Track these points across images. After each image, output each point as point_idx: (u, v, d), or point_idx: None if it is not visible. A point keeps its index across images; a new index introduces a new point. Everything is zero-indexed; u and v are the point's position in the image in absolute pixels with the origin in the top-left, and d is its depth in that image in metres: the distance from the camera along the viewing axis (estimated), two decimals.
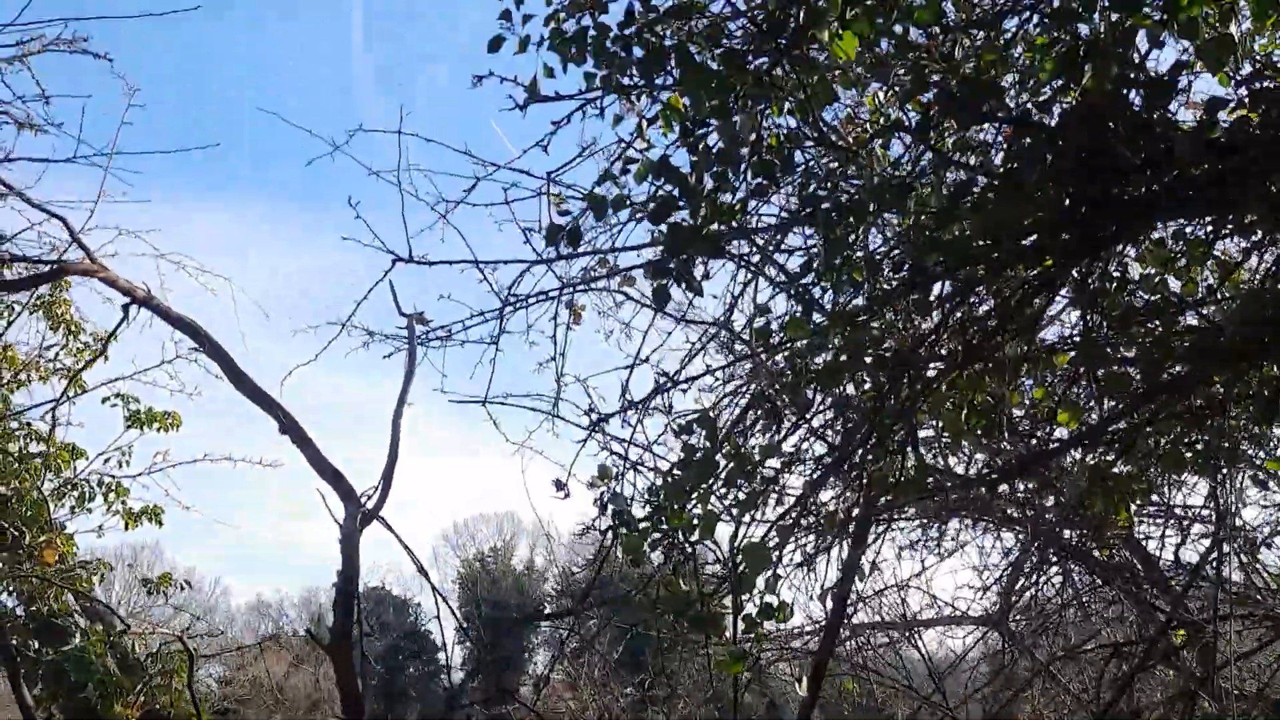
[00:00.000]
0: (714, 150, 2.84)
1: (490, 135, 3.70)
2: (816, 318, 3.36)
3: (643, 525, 3.45)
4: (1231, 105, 2.82)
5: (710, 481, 3.25)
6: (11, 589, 5.36)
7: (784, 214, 3.53)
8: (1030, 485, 5.11)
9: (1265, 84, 2.81)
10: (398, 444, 3.80)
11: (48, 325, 6.24)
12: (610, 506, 3.52)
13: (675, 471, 3.38)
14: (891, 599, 5.67)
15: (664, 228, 3.01)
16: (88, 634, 5.22)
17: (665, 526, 3.36)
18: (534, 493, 4.50)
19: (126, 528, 6.09)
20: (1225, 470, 3.60)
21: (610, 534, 3.68)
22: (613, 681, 7.36)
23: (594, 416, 3.52)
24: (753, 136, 2.80)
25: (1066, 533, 5.39)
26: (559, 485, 3.48)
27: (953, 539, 5.91)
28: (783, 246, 3.95)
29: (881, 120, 3.34)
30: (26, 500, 5.58)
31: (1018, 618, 6.02)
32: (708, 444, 3.21)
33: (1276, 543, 4.85)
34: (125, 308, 4.49)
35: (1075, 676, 5.98)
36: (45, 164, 4.60)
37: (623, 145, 3.16)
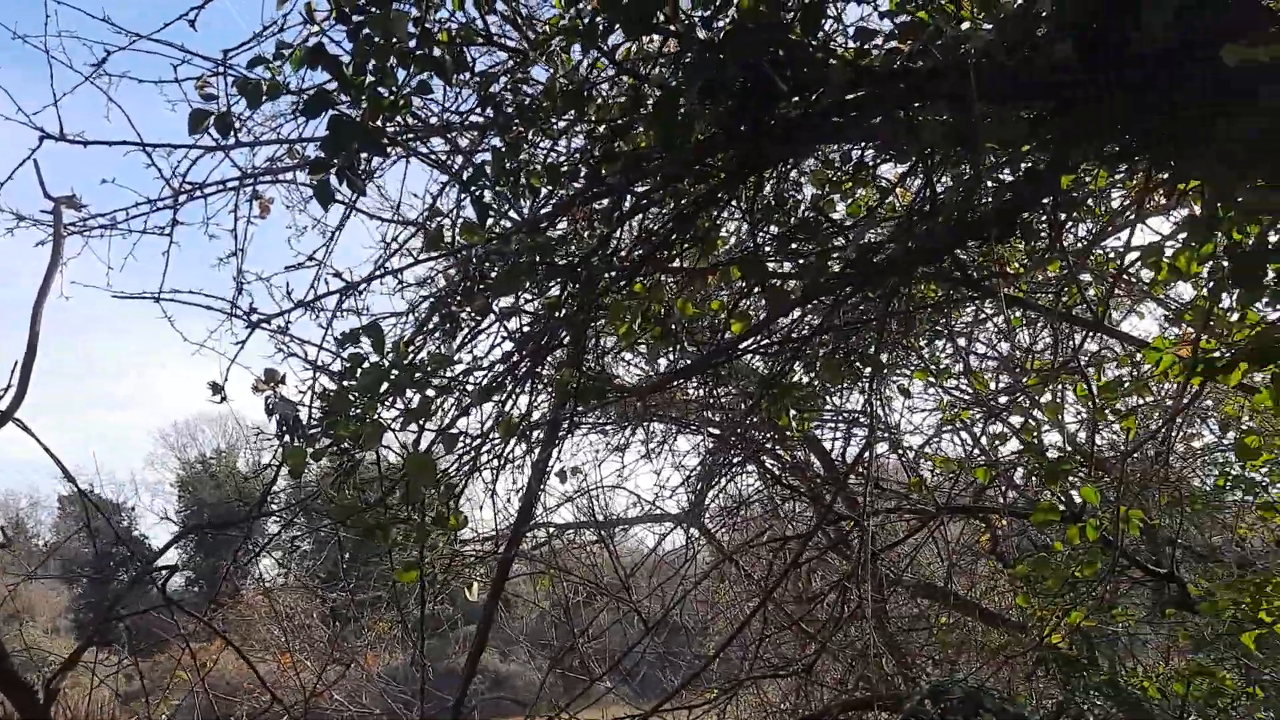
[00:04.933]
0: (374, 42, 2.68)
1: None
2: (493, 223, 3.31)
3: (313, 432, 3.34)
4: (884, 35, 2.96)
5: (379, 391, 3.16)
6: None
7: (462, 113, 3.41)
8: (720, 391, 5.37)
9: (911, 17, 2.96)
10: (36, 340, 3.44)
11: None
12: (276, 413, 3.36)
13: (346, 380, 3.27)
14: (602, 500, 5.84)
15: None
16: None
17: (333, 434, 3.26)
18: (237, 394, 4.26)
19: None
20: (873, 380, 3.89)
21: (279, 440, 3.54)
22: (315, 586, 7.23)
23: (254, 317, 3.32)
24: (412, 31, 2.67)
25: (758, 434, 5.73)
26: (215, 388, 3.28)
27: (659, 441, 6.16)
28: (479, 147, 3.85)
29: (562, 22, 3.28)
30: None
31: (709, 514, 6.38)
32: (374, 353, 3.11)
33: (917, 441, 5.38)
34: None
35: (755, 566, 6.44)
36: None
37: (278, 26, 2.93)
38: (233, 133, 3.77)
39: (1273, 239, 2.72)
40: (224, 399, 3.26)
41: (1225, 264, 2.89)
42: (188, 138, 3.88)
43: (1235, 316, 3.47)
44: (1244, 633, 4.27)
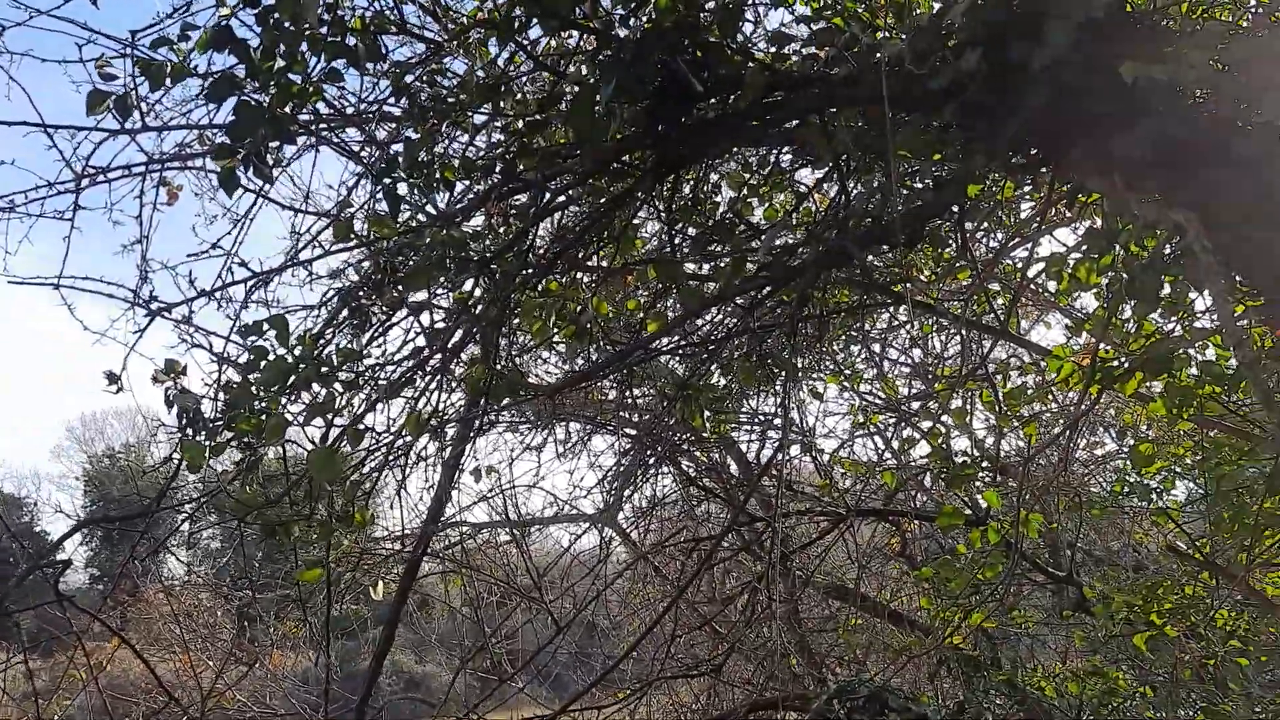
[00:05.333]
0: (282, 26, 2.62)
1: None
2: (407, 216, 3.26)
3: (215, 426, 3.25)
4: (801, 41, 2.98)
5: (284, 384, 3.09)
6: None
7: (376, 103, 3.35)
8: (637, 391, 5.37)
9: (827, 24, 2.98)
10: None
11: None
12: (176, 405, 3.25)
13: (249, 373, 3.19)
14: (519, 499, 5.79)
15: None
16: None
17: (234, 428, 3.18)
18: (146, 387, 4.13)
19: None
20: (787, 383, 3.92)
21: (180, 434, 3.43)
22: (221, 584, 7.06)
23: (154, 305, 3.22)
24: (324, 17, 2.61)
25: (674, 435, 5.74)
26: (112, 378, 3.16)
27: (575, 441, 6.13)
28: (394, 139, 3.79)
29: (480, 14, 3.24)
30: None
31: (624, 515, 6.37)
32: (279, 345, 3.04)
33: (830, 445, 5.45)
34: None
35: (669, 566, 6.45)
36: None
37: (184, 7, 2.83)
38: (139, 116, 3.66)
39: (1168, 252, 2.80)
40: (120, 389, 3.15)
41: (1123, 276, 2.98)
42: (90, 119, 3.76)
43: (1132, 327, 3.58)
44: (1137, 634, 4.41)
